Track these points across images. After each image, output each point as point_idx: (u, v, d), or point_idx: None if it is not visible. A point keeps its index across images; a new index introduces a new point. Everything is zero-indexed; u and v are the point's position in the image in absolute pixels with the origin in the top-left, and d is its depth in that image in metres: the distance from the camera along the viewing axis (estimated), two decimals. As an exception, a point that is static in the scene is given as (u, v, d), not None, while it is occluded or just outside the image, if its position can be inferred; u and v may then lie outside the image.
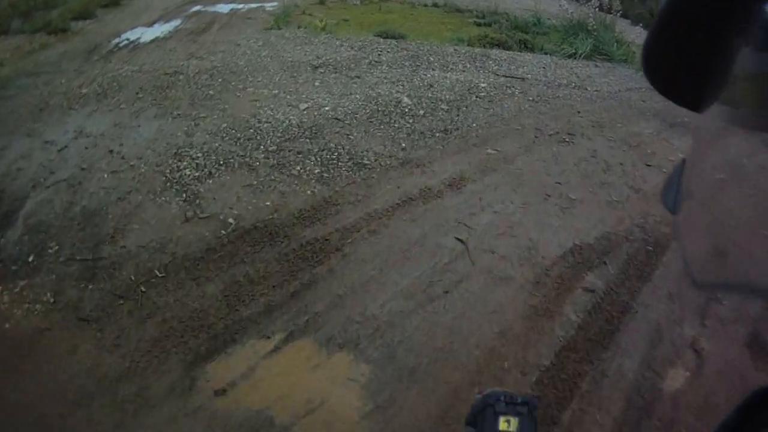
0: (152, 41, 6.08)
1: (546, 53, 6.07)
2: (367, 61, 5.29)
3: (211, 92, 4.42)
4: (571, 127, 4.29)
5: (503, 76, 5.31)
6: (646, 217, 3.21)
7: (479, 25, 6.94)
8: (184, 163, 3.52)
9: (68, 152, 3.85)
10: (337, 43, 5.78)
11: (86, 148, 3.86)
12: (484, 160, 3.82)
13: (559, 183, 3.56)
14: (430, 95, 4.66)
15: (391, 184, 3.43)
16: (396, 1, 8.13)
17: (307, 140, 3.76)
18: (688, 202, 0.31)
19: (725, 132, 0.27)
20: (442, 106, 4.50)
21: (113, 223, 3.12)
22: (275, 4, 7.68)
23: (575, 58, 6.02)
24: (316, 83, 4.69)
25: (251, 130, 3.83)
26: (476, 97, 4.77)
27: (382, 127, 4.05)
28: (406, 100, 4.50)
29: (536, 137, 4.17)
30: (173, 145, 3.70)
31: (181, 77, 4.72)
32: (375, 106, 4.33)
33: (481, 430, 0.54)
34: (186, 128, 3.90)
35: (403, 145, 3.86)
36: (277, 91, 4.47)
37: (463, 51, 5.88)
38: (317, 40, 5.86)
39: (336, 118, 4.08)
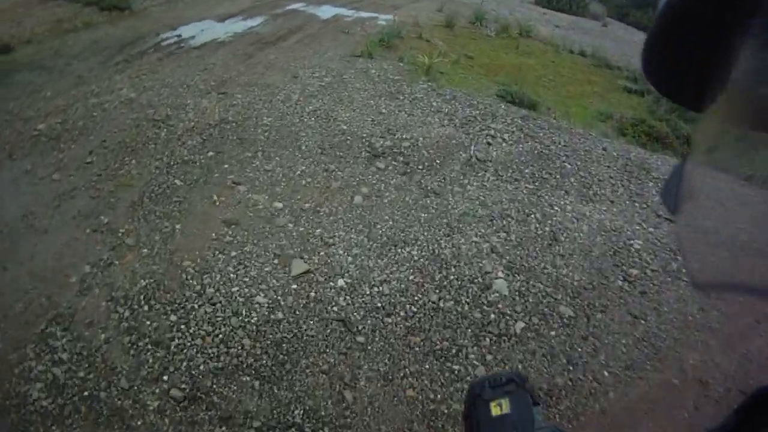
0: (200, 47, 4.49)
1: (717, 166, 3.68)
2: (464, 155, 3.09)
3: (177, 182, 2.63)
4: (746, 373, 2.13)
5: (667, 218, 2.98)
6: None
7: (629, 91, 5.32)
8: (28, 388, 1.81)
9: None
10: (435, 103, 3.62)
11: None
12: None
13: None
14: (548, 269, 2.39)
15: None
16: (539, 40, 5.69)
17: (253, 384, 1.79)
18: (688, 203, 0.30)
19: (725, 131, 0.26)
20: (562, 308, 2.24)
21: None
22: (391, 17, 5.67)
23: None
24: (357, 197, 2.66)
25: (174, 316, 1.97)
26: (624, 278, 2.51)
27: (427, 369, 1.92)
28: (500, 282, 2.29)
29: (696, 408, 1.97)
30: (40, 318, 2.00)
31: (162, 134, 3.00)
32: (436, 295, 2.19)
33: (476, 424, 0.52)
34: (89, 269, 2.18)
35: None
36: (280, 206, 2.54)
37: (615, 153, 3.48)
38: (408, 91, 3.75)
39: (341, 321, 2.04)
